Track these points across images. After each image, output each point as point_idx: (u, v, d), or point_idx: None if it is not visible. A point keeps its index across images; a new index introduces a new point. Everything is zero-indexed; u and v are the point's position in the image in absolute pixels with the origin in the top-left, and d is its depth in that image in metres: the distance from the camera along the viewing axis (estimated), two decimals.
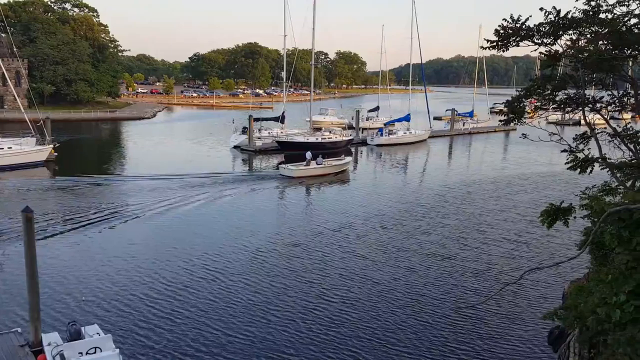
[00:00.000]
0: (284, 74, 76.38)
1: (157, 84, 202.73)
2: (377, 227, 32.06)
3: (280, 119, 70.52)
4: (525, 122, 16.35)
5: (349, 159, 54.66)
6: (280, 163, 52.41)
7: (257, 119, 67.00)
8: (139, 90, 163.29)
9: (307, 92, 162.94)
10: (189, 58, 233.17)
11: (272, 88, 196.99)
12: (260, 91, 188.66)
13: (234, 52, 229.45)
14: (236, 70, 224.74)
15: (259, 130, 67.20)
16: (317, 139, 65.26)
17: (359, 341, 18.39)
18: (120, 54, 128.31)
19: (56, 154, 51.71)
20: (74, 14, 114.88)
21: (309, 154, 50.79)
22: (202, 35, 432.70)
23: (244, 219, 33.41)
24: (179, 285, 22.56)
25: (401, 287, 23.08)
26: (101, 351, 14.35)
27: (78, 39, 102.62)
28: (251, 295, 21.81)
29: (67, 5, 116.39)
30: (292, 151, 60.77)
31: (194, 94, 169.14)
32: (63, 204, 35.12)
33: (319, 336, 18.62)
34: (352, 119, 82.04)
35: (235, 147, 64.40)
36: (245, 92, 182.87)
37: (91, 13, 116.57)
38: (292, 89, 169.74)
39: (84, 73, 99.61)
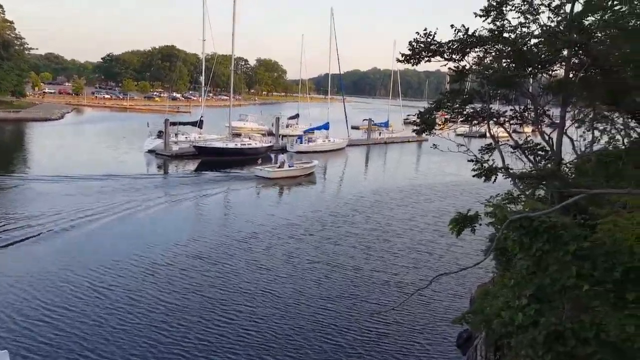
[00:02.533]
0: (202, 79, 75.42)
1: (67, 84, 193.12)
2: (284, 238, 31.39)
3: (198, 124, 69.21)
4: (435, 133, 17.06)
5: (315, 162, 57.16)
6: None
7: (173, 123, 65.49)
8: (47, 90, 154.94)
9: (226, 97, 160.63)
10: (102, 58, 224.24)
11: (190, 92, 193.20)
12: (178, 95, 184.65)
13: (150, 54, 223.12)
14: (152, 72, 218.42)
15: (176, 134, 65.59)
16: (236, 144, 64.77)
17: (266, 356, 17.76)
18: (27, 52, 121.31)
19: None
20: None
21: (281, 157, 53.85)
22: (115, 35, 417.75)
23: (149, 231, 31.94)
24: (68, 305, 21.19)
25: (308, 300, 22.46)
26: None
27: None
28: (143, 314, 20.52)
29: None
30: (210, 157, 60.00)
31: (106, 96, 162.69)
32: None
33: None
34: (272, 125, 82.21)
35: (149, 151, 62.31)
36: (162, 95, 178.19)
37: None
38: (211, 94, 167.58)
39: None
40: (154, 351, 17.71)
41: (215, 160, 58.06)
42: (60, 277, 23.42)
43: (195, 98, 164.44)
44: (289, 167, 52.68)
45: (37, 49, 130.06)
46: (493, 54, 16.07)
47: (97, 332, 18.70)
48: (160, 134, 63.76)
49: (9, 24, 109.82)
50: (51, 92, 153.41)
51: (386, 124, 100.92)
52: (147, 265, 25.47)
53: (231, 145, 64.14)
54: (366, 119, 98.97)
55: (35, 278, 23.11)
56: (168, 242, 29.25)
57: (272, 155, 67.16)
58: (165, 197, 40.20)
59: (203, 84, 76.30)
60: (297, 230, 33.11)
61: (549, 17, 14.46)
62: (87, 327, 18.97)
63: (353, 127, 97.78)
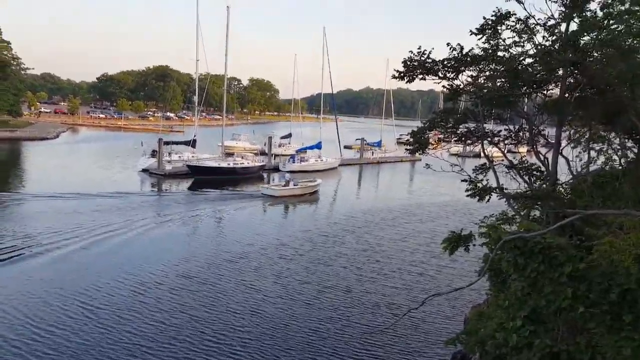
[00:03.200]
0: (196, 98, 75.29)
1: (62, 103, 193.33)
2: (275, 258, 31.09)
3: (192, 143, 69.49)
4: (429, 152, 17.28)
5: (319, 180, 58.07)
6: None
7: (167, 143, 65.75)
8: (42, 109, 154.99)
9: (219, 117, 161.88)
10: (97, 78, 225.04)
11: (184, 112, 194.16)
12: (172, 114, 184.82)
13: (144, 74, 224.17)
14: (146, 92, 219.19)
15: (169, 154, 65.63)
16: (229, 164, 65.00)
17: None
18: (23, 72, 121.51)
19: None
20: None
21: (287, 176, 55.23)
22: (110, 56, 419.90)
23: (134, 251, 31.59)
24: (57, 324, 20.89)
25: (298, 321, 22.16)
26: None
27: None
28: (131, 333, 20.31)
29: None
30: (203, 176, 60.00)
31: (101, 115, 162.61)
32: None
33: None
34: (265, 145, 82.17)
35: (143, 170, 62.29)
36: (156, 114, 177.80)
37: None
38: (204, 114, 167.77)
39: None
40: None
41: (208, 180, 58.24)
42: (50, 295, 23.29)
43: (188, 117, 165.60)
44: (294, 185, 53.86)
45: (33, 68, 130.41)
46: (487, 73, 16.02)
47: (86, 350, 18.59)
48: (153, 153, 64.04)
49: (5, 44, 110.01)
50: (47, 112, 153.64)
51: (379, 144, 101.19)
52: (137, 284, 25.32)
53: (224, 164, 64.48)
54: (359, 139, 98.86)
55: (25, 296, 22.99)
56: (166, 260, 29.48)
57: (265, 175, 67.74)
58: (157, 216, 40.24)
59: (196, 104, 76.52)
60: (287, 250, 32.99)
61: (544, 37, 14.41)
62: (75, 346, 18.86)
63: (346, 147, 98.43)
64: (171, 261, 29.05)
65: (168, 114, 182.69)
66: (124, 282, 25.34)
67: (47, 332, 19.68)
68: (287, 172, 68.45)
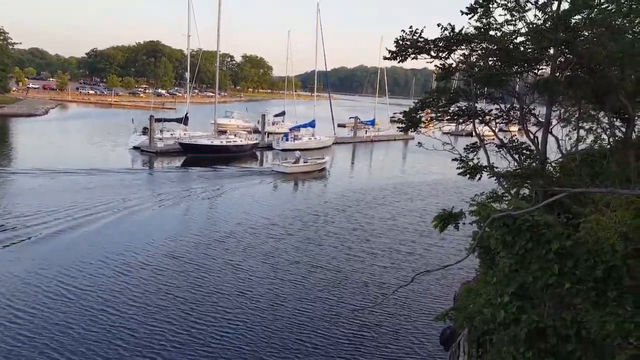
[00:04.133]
0: (187, 75, 74.84)
1: (51, 79, 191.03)
2: (264, 237, 31.18)
3: (184, 121, 69.27)
4: (421, 131, 17.26)
5: (327, 158, 60.85)
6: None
7: (158, 120, 65.28)
8: (30, 85, 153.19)
9: (212, 94, 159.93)
10: (86, 54, 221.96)
11: (176, 89, 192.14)
12: (163, 91, 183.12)
13: (135, 49, 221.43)
14: (137, 68, 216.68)
15: (161, 131, 65.36)
16: (221, 142, 64.91)
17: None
18: (10, 46, 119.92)
19: None
20: None
21: (297, 154, 56.85)
22: (100, 31, 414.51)
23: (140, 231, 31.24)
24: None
25: (286, 301, 22.38)
26: None
27: None
28: (114, 315, 20.41)
29: None
30: (195, 154, 59.92)
31: (91, 91, 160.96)
32: None
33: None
34: (258, 123, 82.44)
35: (135, 148, 62.27)
36: (147, 91, 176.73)
37: None
38: (196, 91, 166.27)
39: None
40: (125, 353, 17.76)
41: (200, 158, 58.22)
42: (31, 275, 23.31)
43: (180, 94, 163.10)
44: (304, 162, 55.48)
45: (20, 43, 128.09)
46: (479, 52, 16.07)
47: (66, 332, 18.69)
48: (145, 131, 63.70)
49: None
50: (35, 88, 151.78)
51: (372, 122, 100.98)
52: (122, 264, 25.39)
53: (217, 142, 64.28)
54: (353, 117, 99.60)
55: (6, 276, 23.01)
56: (155, 240, 29.69)
57: (258, 153, 67.72)
58: (149, 195, 40.47)
59: (188, 80, 75.90)
60: (277, 230, 33.12)
61: (535, 15, 14.51)
62: (55, 328, 18.99)
63: (339, 125, 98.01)
64: (159, 241, 29.24)
65: (159, 90, 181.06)
66: (108, 263, 25.25)
67: (27, 314, 19.76)
68: (281, 150, 70.50)
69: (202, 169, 53.49)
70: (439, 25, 15.37)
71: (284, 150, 70.39)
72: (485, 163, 15.96)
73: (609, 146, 15.34)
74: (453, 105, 16.99)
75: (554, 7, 14.47)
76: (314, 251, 29.00)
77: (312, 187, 48.99)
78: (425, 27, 15.14)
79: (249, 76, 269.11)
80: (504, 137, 17.22)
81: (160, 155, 60.17)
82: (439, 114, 17.22)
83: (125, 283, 22.92)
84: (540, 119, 16.43)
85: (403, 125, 17.16)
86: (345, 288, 24.04)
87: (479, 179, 16.06)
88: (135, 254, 26.47)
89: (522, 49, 15.32)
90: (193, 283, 23.40)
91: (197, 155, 59.23)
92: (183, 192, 42.19)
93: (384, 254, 29.36)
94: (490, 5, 14.69)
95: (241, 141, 67.37)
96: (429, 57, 15.72)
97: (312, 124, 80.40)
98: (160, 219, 33.91)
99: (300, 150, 67.72)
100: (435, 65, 16.67)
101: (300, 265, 26.54)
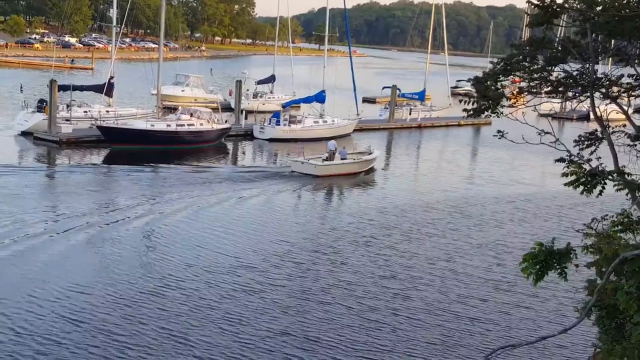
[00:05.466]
0: (113, 13, 63.29)
1: None
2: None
3: (106, 90, 56.21)
4: (503, 112, 13.40)
5: (377, 152, 50.40)
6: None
7: (64, 88, 52.75)
8: None
9: (154, 45, 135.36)
10: None
11: (94, 36, 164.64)
12: (73, 40, 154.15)
13: None
14: (29, 2, 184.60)
15: (68, 106, 53.30)
16: (168, 125, 52.07)
17: None
18: None
19: None
20: None
21: (332, 144, 46.86)
22: None
23: None
24: None
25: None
26: None
27: None
28: None
29: None
30: (124, 144, 48.30)
31: None
32: None
33: None
34: (230, 94, 69.36)
35: (24, 133, 51.03)
36: (46, 39, 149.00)
37: None
38: (127, 40, 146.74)
39: None
40: None
41: (133, 150, 47.18)
42: None
43: (101, 45, 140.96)
44: (342, 158, 46.13)
45: None
46: None
47: None
48: (41, 106, 52.10)
49: None
50: None
51: (422, 96, 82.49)
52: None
53: (161, 126, 51.27)
54: (388, 87, 79.68)
55: None
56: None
57: (230, 145, 56.61)
58: (50, 218, 30.65)
59: (115, 22, 63.23)
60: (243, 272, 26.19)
61: None
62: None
63: (366, 100, 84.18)
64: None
65: (67, 38, 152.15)
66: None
67: None
68: (268, 140, 57.61)
69: (137, 168, 42.37)
70: None
71: (272, 140, 58.85)
72: (610, 166, 12.59)
73: None
74: (557, 69, 13.37)
75: None
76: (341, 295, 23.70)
77: (331, 202, 40.01)
78: None
79: (215, 16, 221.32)
80: None
81: (66, 146, 48.96)
82: (533, 84, 13.54)
83: None
84: None
85: (472, 105, 13.09)
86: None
87: (601, 193, 12.56)
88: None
89: None
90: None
91: (127, 147, 47.79)
92: (104, 212, 32.50)
93: (433, 316, 23.31)
94: None
95: (201, 125, 53.63)
96: None
97: (320, 98, 64.82)
98: (58, 273, 24.68)
99: (299, 141, 56.27)
100: (528, 1, 12.42)
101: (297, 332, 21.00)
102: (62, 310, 20.57)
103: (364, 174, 45.26)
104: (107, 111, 53.55)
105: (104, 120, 50.03)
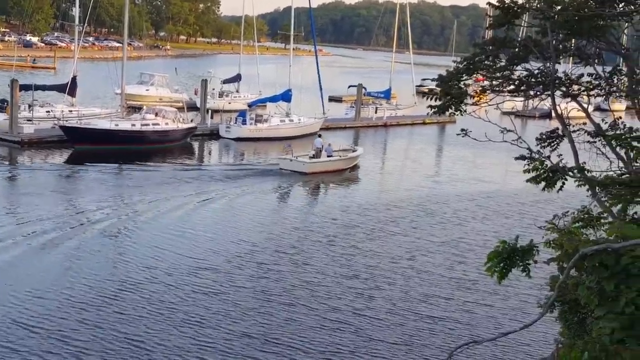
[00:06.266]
0: (76, 11, 64.13)
1: None
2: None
3: (69, 89, 55.52)
4: (466, 110, 13.41)
5: (360, 149, 52.18)
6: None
7: (26, 87, 52.61)
8: None
9: (117, 44, 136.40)
10: None
11: (56, 35, 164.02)
12: (34, 39, 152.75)
13: None
14: None
15: (30, 106, 52.59)
16: (133, 125, 51.76)
17: None
18: None
19: None
20: None
21: (319, 142, 47.73)
22: None
23: None
24: None
25: None
26: None
27: None
28: None
29: None
30: (87, 144, 47.30)
31: None
32: None
33: None
34: (196, 93, 69.16)
35: None
36: (7, 38, 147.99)
37: None
38: (90, 39, 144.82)
39: None
40: None
41: (97, 151, 46.08)
42: None
43: (64, 45, 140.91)
44: (328, 156, 47.44)
45: None
46: None
47: None
48: (2, 105, 52.27)
49: None
50: None
51: (387, 94, 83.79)
52: None
53: (125, 125, 50.79)
54: (354, 85, 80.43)
55: None
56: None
57: (196, 145, 56.85)
58: (13, 223, 29.92)
59: (77, 21, 63.11)
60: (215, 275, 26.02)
61: None
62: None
63: (332, 99, 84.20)
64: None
65: (28, 37, 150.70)
66: None
67: None
68: (234, 139, 57.25)
69: (101, 169, 41.84)
70: None
71: (238, 139, 58.70)
72: (571, 163, 12.70)
73: None
74: (519, 67, 13.62)
75: None
76: (303, 295, 23.58)
77: (292, 205, 39.62)
78: None
79: (180, 15, 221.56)
80: (603, 121, 14.07)
81: (28, 147, 48.14)
82: (496, 82, 13.83)
83: None
84: None
85: (437, 102, 13.45)
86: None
87: (561, 188, 12.60)
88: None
89: None
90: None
91: (91, 147, 46.66)
92: (64, 214, 31.68)
93: (400, 312, 23.72)
94: None
95: (166, 124, 53.37)
96: None
97: (286, 97, 64.86)
98: (14, 277, 24.05)
99: (266, 140, 57.26)
100: (489, 3, 12.95)
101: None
102: (17, 316, 20.07)
103: (349, 170, 46.25)
104: (70, 111, 53.40)
105: (66, 120, 49.75)
